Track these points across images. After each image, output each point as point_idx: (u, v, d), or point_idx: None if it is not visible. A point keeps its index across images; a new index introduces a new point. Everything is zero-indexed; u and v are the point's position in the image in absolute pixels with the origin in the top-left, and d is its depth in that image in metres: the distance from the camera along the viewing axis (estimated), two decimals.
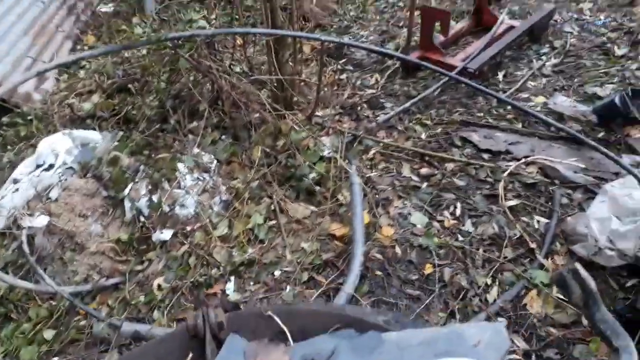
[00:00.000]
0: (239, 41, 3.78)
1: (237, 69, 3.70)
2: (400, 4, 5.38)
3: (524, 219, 2.75)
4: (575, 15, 4.62)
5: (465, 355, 0.70)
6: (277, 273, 2.65)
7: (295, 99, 3.67)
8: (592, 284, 0.73)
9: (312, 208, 3.00)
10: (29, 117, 3.77)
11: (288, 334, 0.76)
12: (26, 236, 2.66)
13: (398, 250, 2.68)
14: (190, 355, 0.86)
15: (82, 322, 2.49)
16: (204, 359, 0.84)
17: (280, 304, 2.39)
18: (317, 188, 3.06)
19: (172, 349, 0.89)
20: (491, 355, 0.72)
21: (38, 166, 3.05)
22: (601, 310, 0.73)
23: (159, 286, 2.57)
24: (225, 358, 0.77)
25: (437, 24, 4.09)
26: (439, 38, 4.20)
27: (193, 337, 0.90)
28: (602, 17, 4.50)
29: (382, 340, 0.75)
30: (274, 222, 2.93)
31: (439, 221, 2.82)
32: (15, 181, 2.97)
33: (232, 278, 2.64)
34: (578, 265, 0.76)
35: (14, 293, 2.60)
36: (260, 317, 0.88)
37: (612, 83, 3.63)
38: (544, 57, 4.10)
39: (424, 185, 3.05)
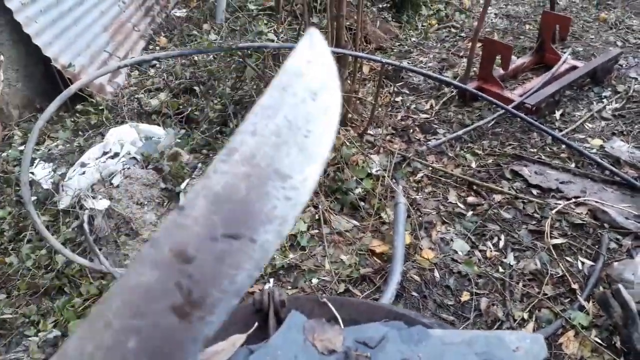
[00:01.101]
0: None
1: None
2: (462, 34, 5.43)
3: (568, 258, 2.72)
4: None
5: (504, 358, 0.75)
6: (314, 281, 2.73)
7: (349, 115, 3.78)
8: (633, 305, 0.77)
9: (355, 222, 3.07)
10: (100, 107, 4.03)
11: (340, 320, 0.83)
12: (87, 216, 2.85)
13: (437, 274, 2.70)
14: (255, 325, 0.95)
15: None
16: (266, 331, 0.92)
17: (335, 295, 2.45)
18: (362, 204, 3.13)
19: (236, 320, 0.98)
20: None
21: (104, 153, 3.26)
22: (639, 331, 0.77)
23: None
24: (286, 330, 0.85)
25: (498, 57, 4.12)
26: (498, 71, 4.23)
27: (258, 311, 0.99)
28: None
29: (428, 334, 0.81)
30: (316, 231, 3.01)
31: (481, 251, 2.83)
32: (83, 165, 3.18)
33: (271, 280, 2.74)
34: (621, 286, 0.80)
35: (70, 268, 2.77)
36: (316, 303, 0.96)
37: None
38: (604, 100, 4.05)
39: (469, 213, 3.06)
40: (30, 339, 2.48)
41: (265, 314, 0.97)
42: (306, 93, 0.48)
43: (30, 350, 2.41)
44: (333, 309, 0.85)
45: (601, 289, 2.54)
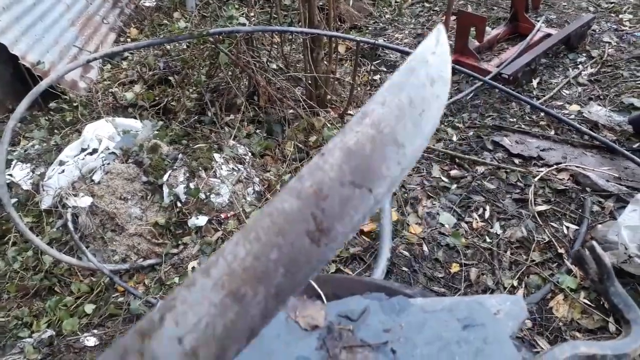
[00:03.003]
0: (277, 39, 3.88)
1: (274, 66, 3.80)
2: (436, 8, 5.41)
3: (553, 224, 2.76)
4: (615, 26, 4.57)
5: (485, 322, 0.76)
6: None
7: (328, 97, 3.75)
8: (607, 260, 0.78)
9: None
10: (74, 104, 3.95)
11: (323, 297, 0.83)
12: (71, 215, 2.81)
13: (425, 248, 2.72)
14: None
15: (120, 299, 2.62)
16: None
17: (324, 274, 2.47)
18: None
19: None
20: (510, 324, 0.78)
21: (83, 150, 3.20)
22: (615, 285, 0.78)
23: (193, 269, 2.68)
24: None
25: (473, 29, 4.11)
26: (474, 43, 4.23)
27: None
28: None
29: (409, 303, 0.82)
30: None
31: (467, 222, 2.85)
32: (61, 163, 3.12)
33: None
34: (595, 244, 0.81)
35: (58, 268, 2.74)
36: None
37: None
38: (580, 66, 4.07)
39: (454, 186, 3.08)
40: (24, 340, 2.45)
41: None
42: (427, 79, 0.58)
43: (26, 351, 2.39)
44: (315, 285, 0.85)
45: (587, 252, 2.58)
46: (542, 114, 3.53)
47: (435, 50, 0.59)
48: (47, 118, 3.92)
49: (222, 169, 3.06)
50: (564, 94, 3.81)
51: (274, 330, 0.77)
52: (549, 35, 4.25)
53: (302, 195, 0.50)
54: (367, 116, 0.53)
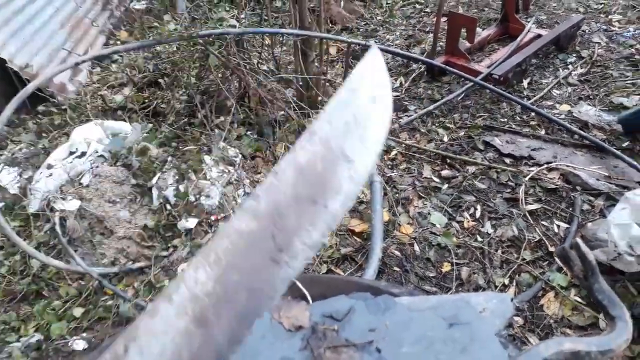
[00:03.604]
0: (267, 41, 3.87)
1: (264, 68, 3.79)
2: (427, 9, 5.42)
3: (544, 223, 2.76)
4: (604, 27, 4.60)
5: (471, 320, 0.75)
6: None
7: (319, 98, 3.75)
8: (591, 257, 0.78)
9: None
10: (63, 107, 3.91)
11: (308, 297, 0.82)
12: (59, 218, 2.78)
13: (417, 248, 2.72)
14: None
15: (109, 302, 2.58)
16: None
17: (302, 273, 2.46)
18: None
19: None
20: (496, 322, 0.77)
21: (71, 153, 3.17)
22: (599, 282, 0.78)
23: (183, 271, 2.65)
24: None
25: (464, 30, 4.12)
26: (464, 44, 4.24)
27: None
28: (631, 29, 4.48)
29: (395, 303, 0.81)
30: None
31: (458, 222, 2.85)
32: (50, 167, 3.09)
33: None
34: (579, 240, 0.81)
35: (46, 271, 2.71)
36: None
37: (638, 94, 3.62)
38: (570, 66, 4.09)
39: (445, 186, 3.08)
40: (12, 344, 2.42)
41: None
42: (368, 97, 0.60)
43: (13, 356, 2.36)
44: (300, 286, 0.83)
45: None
46: (533, 114, 3.54)
47: (372, 69, 0.62)
48: (35, 121, 3.88)
49: (212, 171, 3.04)
50: (554, 94, 3.82)
51: (258, 331, 0.75)
52: (539, 36, 4.27)
53: (259, 215, 0.50)
54: (316, 134, 0.54)
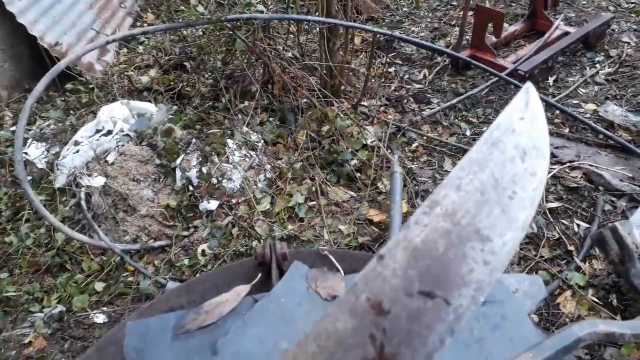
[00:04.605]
0: (293, 28, 3.88)
1: (289, 54, 3.80)
2: (454, 2, 5.37)
3: (564, 221, 2.75)
4: (634, 26, 4.52)
5: (504, 299, 0.77)
6: None
7: (343, 87, 3.75)
8: (629, 241, 0.79)
9: (352, 193, 3.08)
10: (90, 86, 3.98)
11: (341, 271, 0.84)
12: (84, 194, 2.84)
13: None
14: (259, 276, 0.96)
15: (130, 278, 2.65)
16: (269, 283, 0.93)
17: (336, 248, 2.48)
18: (358, 174, 3.14)
19: (240, 274, 0.99)
20: (527, 303, 0.78)
21: (97, 131, 3.23)
22: (637, 267, 0.78)
23: (203, 252, 2.70)
24: (289, 279, 0.85)
25: (490, 25, 4.08)
26: (491, 39, 4.20)
27: (260, 264, 1.00)
28: None
29: None
30: (314, 202, 3.02)
31: None
32: (76, 143, 3.15)
33: None
34: (617, 224, 0.81)
35: (70, 245, 2.78)
36: (317, 256, 0.97)
37: None
38: (597, 65, 4.04)
39: None
40: (35, 315, 2.49)
41: (267, 266, 0.98)
42: (516, 151, 0.46)
43: (36, 325, 2.43)
44: (334, 260, 0.85)
45: (597, 250, 2.57)
46: (557, 111, 3.51)
47: (524, 115, 0.48)
48: (63, 99, 3.95)
49: (234, 154, 3.08)
50: (580, 92, 3.78)
51: (294, 299, 0.78)
52: (567, 33, 4.21)
53: (356, 312, 0.40)
54: (438, 205, 0.43)
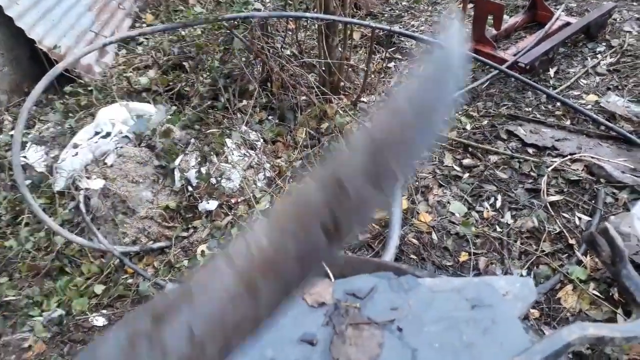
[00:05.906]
0: (291, 25, 3.86)
1: (288, 52, 3.78)
2: None
3: (565, 215, 2.73)
4: (636, 15, 4.47)
5: (494, 303, 0.75)
6: None
7: (342, 84, 3.73)
8: (620, 242, 0.77)
9: None
10: (89, 88, 3.98)
11: (331, 275, 0.83)
12: (83, 197, 2.84)
13: (434, 236, 2.71)
14: None
15: (129, 280, 2.65)
16: None
17: None
18: None
19: None
20: (518, 306, 0.77)
21: (96, 133, 3.23)
22: (627, 268, 0.77)
23: (203, 252, 2.70)
24: None
25: (490, 17, 4.04)
26: (491, 31, 4.16)
27: None
28: None
29: (417, 283, 0.82)
30: None
31: (478, 211, 2.83)
32: (75, 146, 3.15)
33: None
34: (608, 225, 0.80)
35: (69, 248, 2.78)
36: None
37: None
38: (599, 56, 3.99)
39: (466, 175, 3.06)
40: (35, 319, 2.50)
41: None
42: None
43: (35, 329, 2.44)
44: (324, 264, 0.84)
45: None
46: (558, 103, 3.47)
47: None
48: (62, 102, 3.95)
49: (233, 154, 3.07)
50: (581, 83, 3.74)
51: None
52: (568, 24, 4.16)
53: (324, 185, 0.51)
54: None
